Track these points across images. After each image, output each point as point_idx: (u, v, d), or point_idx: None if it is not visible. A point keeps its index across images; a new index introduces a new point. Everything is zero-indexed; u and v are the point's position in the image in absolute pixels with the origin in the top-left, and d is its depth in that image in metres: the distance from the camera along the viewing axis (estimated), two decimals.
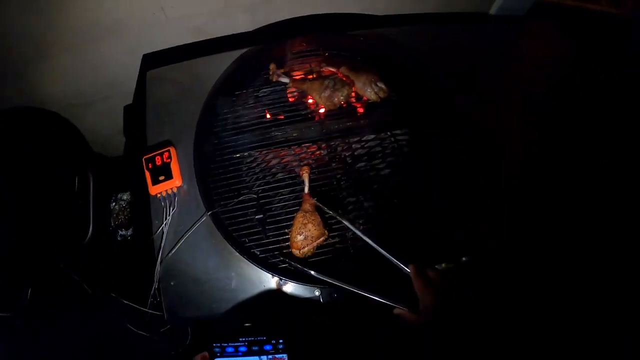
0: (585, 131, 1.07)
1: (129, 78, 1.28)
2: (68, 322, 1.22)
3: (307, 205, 0.93)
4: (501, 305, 0.77)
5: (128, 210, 1.30)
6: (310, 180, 0.97)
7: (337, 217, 0.91)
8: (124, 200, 1.31)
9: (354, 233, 0.92)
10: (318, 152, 1.04)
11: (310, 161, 1.04)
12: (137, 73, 1.27)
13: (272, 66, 1.08)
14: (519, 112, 1.09)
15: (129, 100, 1.33)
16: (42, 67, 1.21)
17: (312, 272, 0.90)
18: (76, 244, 1.20)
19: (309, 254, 0.91)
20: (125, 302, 1.06)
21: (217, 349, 0.88)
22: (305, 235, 0.90)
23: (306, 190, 0.95)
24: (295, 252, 0.91)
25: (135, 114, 1.28)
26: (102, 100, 1.33)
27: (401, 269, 0.82)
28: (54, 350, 1.19)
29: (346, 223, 0.91)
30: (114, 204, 1.30)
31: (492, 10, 1.23)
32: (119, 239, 1.30)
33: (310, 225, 0.90)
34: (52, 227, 1.19)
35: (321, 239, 0.91)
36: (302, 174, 0.96)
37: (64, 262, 1.15)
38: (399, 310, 0.78)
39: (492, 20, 1.24)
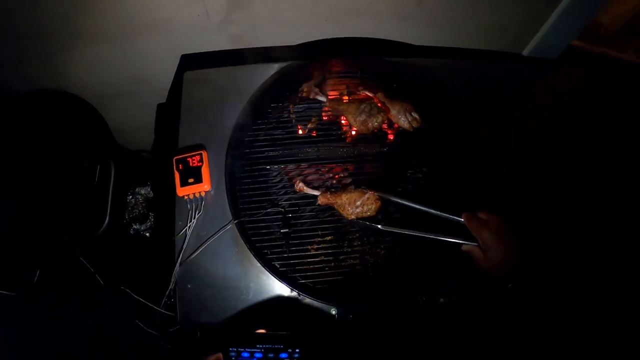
0: (613, 173, 1.09)
1: (161, 75, 1.29)
2: (72, 311, 1.22)
3: (334, 201, 0.97)
4: None
5: (144, 204, 1.31)
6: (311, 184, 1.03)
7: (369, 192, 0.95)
8: (141, 194, 1.31)
9: (373, 254, 0.95)
10: (345, 174, 1.06)
11: (334, 181, 1.06)
12: (170, 71, 1.28)
13: (307, 84, 1.10)
14: (545, 150, 1.12)
15: (158, 96, 1.34)
16: (77, 54, 1.21)
17: (379, 226, 0.94)
18: (91, 233, 1.20)
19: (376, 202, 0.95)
20: (138, 297, 1.06)
21: (232, 353, 0.88)
22: (359, 205, 0.95)
23: (318, 193, 1.00)
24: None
25: (169, 113, 1.29)
26: (131, 94, 1.34)
27: (455, 220, 0.89)
28: (52, 337, 1.19)
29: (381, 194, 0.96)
30: (130, 197, 1.31)
31: (525, 52, 1.27)
32: (131, 232, 1.30)
33: (350, 198, 0.96)
34: (69, 212, 1.19)
35: (366, 194, 0.95)
36: (301, 189, 1.01)
37: (78, 249, 1.15)
38: (467, 246, 0.85)
39: (524, 61, 1.28)
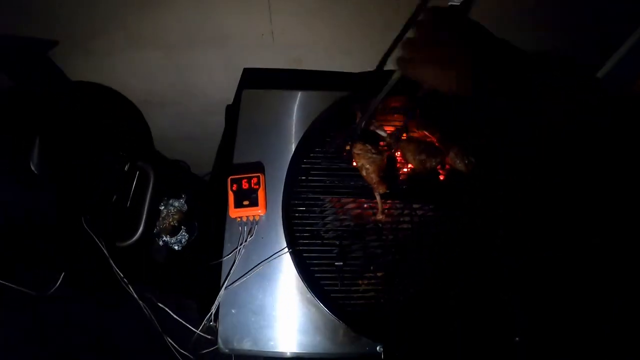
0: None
1: (211, 89, 1.28)
2: (73, 311, 1.17)
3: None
4: None
5: (176, 217, 1.27)
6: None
7: None
8: (174, 206, 1.27)
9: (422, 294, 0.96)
10: (393, 210, 1.06)
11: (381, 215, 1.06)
12: (222, 86, 1.26)
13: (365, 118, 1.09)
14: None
15: (204, 110, 1.32)
16: (131, 57, 1.18)
17: None
18: (124, 239, 1.16)
19: None
20: (177, 317, 1.03)
21: None
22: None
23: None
24: None
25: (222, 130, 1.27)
26: (177, 104, 1.31)
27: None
28: (52, 337, 1.15)
29: None
30: (163, 207, 1.27)
31: None
32: (160, 244, 1.26)
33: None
34: (103, 215, 1.15)
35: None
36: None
37: (110, 254, 1.11)
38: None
39: None
